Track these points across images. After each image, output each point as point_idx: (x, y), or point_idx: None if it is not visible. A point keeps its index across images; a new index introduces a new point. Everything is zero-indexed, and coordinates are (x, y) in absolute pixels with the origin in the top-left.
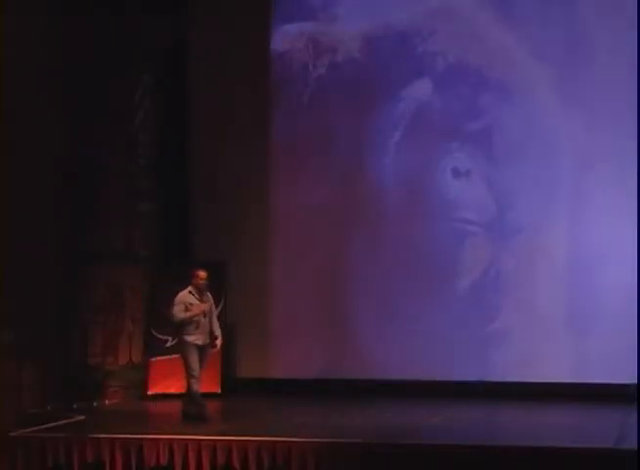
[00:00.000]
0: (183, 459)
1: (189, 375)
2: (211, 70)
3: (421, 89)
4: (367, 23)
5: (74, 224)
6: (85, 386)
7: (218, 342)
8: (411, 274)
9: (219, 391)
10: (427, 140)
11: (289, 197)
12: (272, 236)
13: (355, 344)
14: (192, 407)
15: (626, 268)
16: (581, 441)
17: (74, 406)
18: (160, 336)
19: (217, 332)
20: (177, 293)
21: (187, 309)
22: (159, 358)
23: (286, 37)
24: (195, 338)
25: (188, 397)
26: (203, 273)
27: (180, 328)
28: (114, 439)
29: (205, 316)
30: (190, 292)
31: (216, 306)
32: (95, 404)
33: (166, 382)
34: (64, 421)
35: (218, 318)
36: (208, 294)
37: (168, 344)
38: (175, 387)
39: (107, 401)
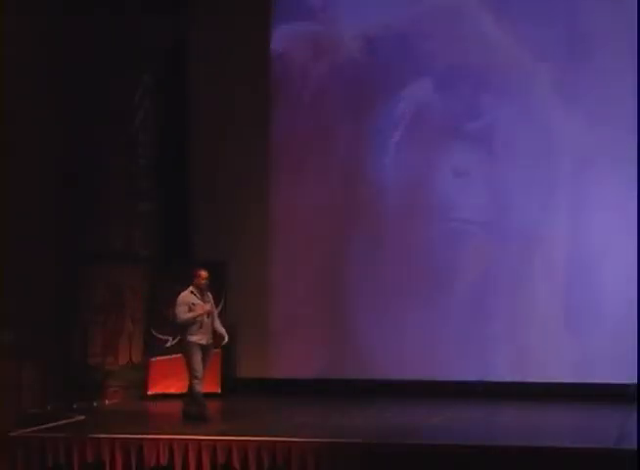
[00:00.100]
0: (183, 459)
1: (192, 376)
2: (211, 70)
3: (421, 89)
4: (367, 24)
5: (74, 224)
6: (85, 386)
7: (225, 340)
8: (411, 274)
9: (219, 391)
10: (427, 140)
11: (289, 197)
12: (272, 236)
13: (355, 344)
14: (193, 408)
15: (626, 268)
16: (581, 441)
17: (74, 406)
18: (160, 336)
19: (222, 330)
20: (178, 293)
21: (190, 310)
22: (159, 358)
23: (286, 37)
24: (199, 338)
25: (189, 397)
26: (204, 273)
27: (183, 328)
28: (114, 439)
29: (208, 316)
30: (192, 292)
31: (216, 306)
32: (95, 404)
33: (166, 382)
34: (64, 421)
35: (219, 317)
36: (209, 293)
37: (168, 344)
38: (175, 387)
39: (107, 401)
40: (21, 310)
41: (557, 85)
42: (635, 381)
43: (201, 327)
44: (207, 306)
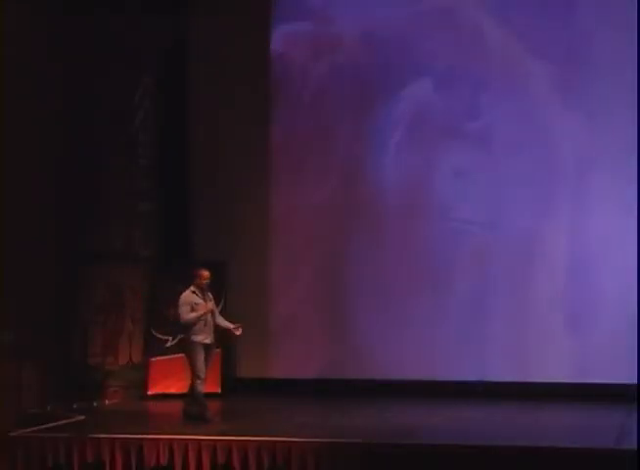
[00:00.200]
0: (183, 459)
1: (195, 376)
2: (211, 70)
3: (421, 89)
4: (367, 24)
5: (74, 224)
6: (85, 386)
7: (239, 330)
8: (411, 274)
9: (219, 391)
10: (427, 140)
11: (289, 197)
12: (272, 236)
13: (355, 344)
14: (194, 408)
15: (626, 268)
16: (581, 441)
17: (74, 406)
18: (160, 336)
19: (227, 324)
20: (179, 293)
21: (193, 309)
22: (159, 358)
23: (286, 37)
24: (203, 337)
25: (191, 397)
26: (206, 273)
27: (186, 328)
28: (114, 439)
29: (212, 314)
30: (193, 292)
31: (216, 306)
32: (95, 404)
33: (166, 382)
34: (64, 421)
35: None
36: (209, 293)
37: (168, 344)
38: (175, 387)
39: (107, 401)
40: (21, 310)
41: (557, 85)
42: (635, 381)
43: (204, 326)
44: (210, 305)
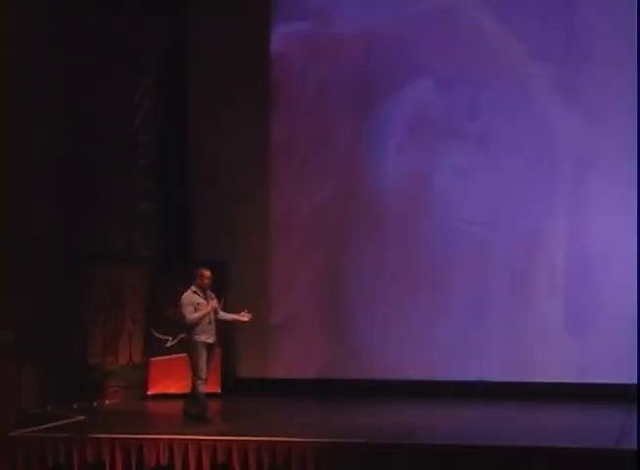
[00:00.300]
0: (183, 459)
1: (196, 376)
2: (211, 70)
3: (421, 89)
4: (367, 24)
5: (74, 224)
6: (85, 386)
7: (246, 316)
8: (411, 274)
9: (219, 391)
10: (427, 140)
11: (289, 197)
12: (272, 236)
13: (355, 344)
14: (194, 408)
15: (626, 268)
16: (581, 441)
17: (74, 406)
18: (160, 336)
19: (233, 316)
20: (181, 294)
21: (196, 310)
22: (159, 358)
23: (286, 37)
24: (206, 337)
25: (192, 397)
26: (207, 273)
27: (190, 328)
28: (114, 439)
29: (216, 313)
30: (194, 292)
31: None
32: (95, 404)
33: (166, 382)
34: (64, 421)
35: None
36: (210, 292)
37: (168, 344)
38: (175, 387)
39: (107, 401)
40: (21, 310)
41: (557, 85)
42: (635, 381)
43: (207, 325)
44: (214, 303)
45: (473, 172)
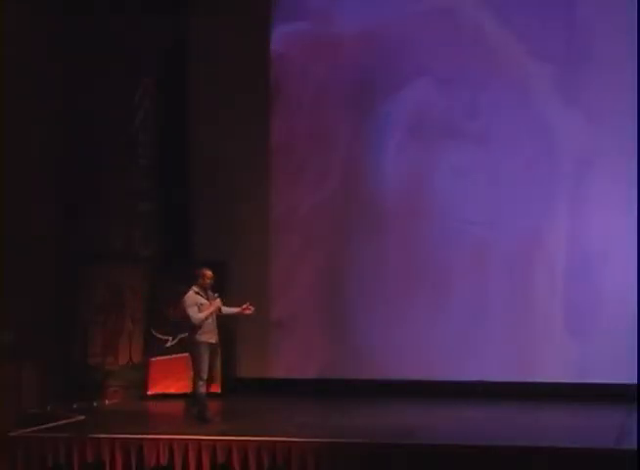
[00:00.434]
0: (183, 459)
1: (198, 377)
2: (211, 70)
3: (421, 89)
4: (367, 24)
5: (74, 224)
6: (85, 386)
7: (249, 309)
8: (411, 274)
9: (219, 391)
10: (427, 140)
11: (289, 197)
12: (272, 236)
13: (355, 344)
14: (195, 408)
15: (626, 268)
16: (581, 441)
17: (74, 406)
18: (160, 336)
19: (235, 309)
20: (181, 294)
21: (199, 310)
22: (159, 358)
23: (286, 37)
24: (208, 337)
25: (193, 398)
26: (209, 272)
27: (195, 329)
28: (114, 439)
29: (220, 311)
30: (197, 292)
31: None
32: (95, 404)
33: (166, 382)
34: (64, 421)
35: (219, 317)
36: (210, 292)
37: (168, 344)
38: (175, 387)
39: (107, 401)
40: (21, 310)
41: (557, 85)
42: (635, 381)
43: (210, 325)
44: (218, 302)
45: (473, 172)
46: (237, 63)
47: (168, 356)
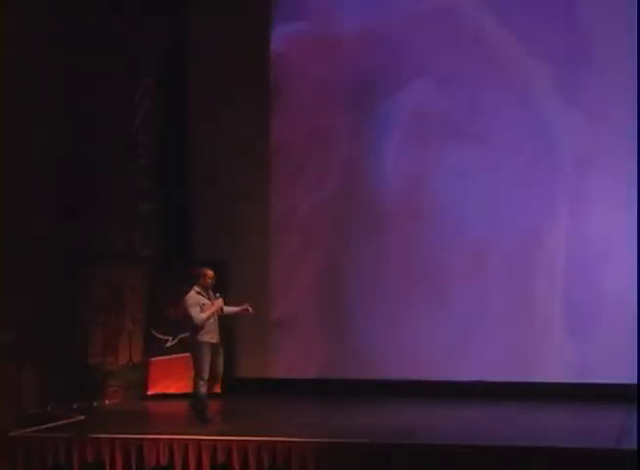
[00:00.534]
0: (183, 459)
1: (199, 377)
2: (211, 70)
3: (421, 89)
4: (367, 24)
5: (74, 224)
6: (85, 386)
7: (250, 309)
8: (411, 274)
9: (219, 391)
10: (427, 140)
11: (289, 197)
12: (272, 236)
13: (355, 344)
14: (197, 408)
15: (626, 268)
16: (581, 441)
17: (74, 406)
18: (160, 336)
19: (236, 308)
20: (182, 294)
21: (201, 310)
22: (159, 358)
23: (286, 37)
24: (210, 337)
25: (195, 398)
26: (210, 272)
27: (196, 329)
28: (114, 439)
29: (222, 311)
30: (198, 293)
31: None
32: (95, 404)
33: (166, 382)
34: (64, 421)
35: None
36: (211, 292)
37: (168, 344)
38: (175, 387)
39: (107, 401)
40: (21, 310)
41: (557, 85)
42: (635, 381)
43: (211, 325)
44: (220, 302)
45: (473, 172)
46: (237, 63)
47: (168, 356)
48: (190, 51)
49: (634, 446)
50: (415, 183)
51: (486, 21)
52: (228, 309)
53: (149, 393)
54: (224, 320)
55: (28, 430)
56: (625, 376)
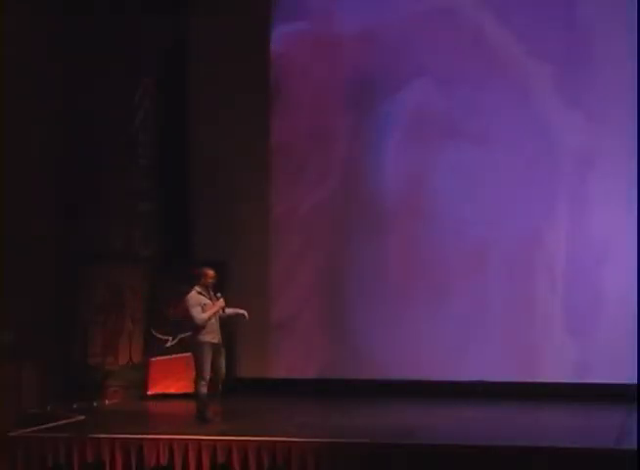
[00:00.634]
0: (183, 459)
1: (199, 377)
2: (211, 70)
3: (421, 89)
4: (367, 24)
5: (74, 224)
6: (85, 386)
7: (245, 315)
8: (411, 274)
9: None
10: (427, 140)
11: (289, 197)
12: (272, 236)
13: (355, 344)
14: (199, 407)
15: (626, 268)
16: (581, 441)
17: (74, 406)
18: (160, 336)
19: (235, 310)
20: (183, 294)
21: (203, 310)
22: (159, 358)
23: (286, 37)
24: (212, 336)
25: (194, 397)
26: (211, 272)
27: (197, 329)
28: (114, 439)
29: (223, 311)
30: (199, 292)
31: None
32: (95, 404)
33: (166, 382)
34: (64, 421)
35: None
36: (211, 292)
37: (168, 344)
38: (175, 387)
39: (107, 401)
40: (21, 310)
41: (557, 85)
42: (635, 381)
43: (213, 325)
44: (221, 302)
45: (473, 172)
46: (237, 63)
47: (168, 356)
48: (190, 51)
49: (634, 446)
50: (415, 183)
51: (486, 21)
52: (230, 310)
53: (149, 393)
54: (224, 321)
55: (28, 430)
56: (625, 376)
